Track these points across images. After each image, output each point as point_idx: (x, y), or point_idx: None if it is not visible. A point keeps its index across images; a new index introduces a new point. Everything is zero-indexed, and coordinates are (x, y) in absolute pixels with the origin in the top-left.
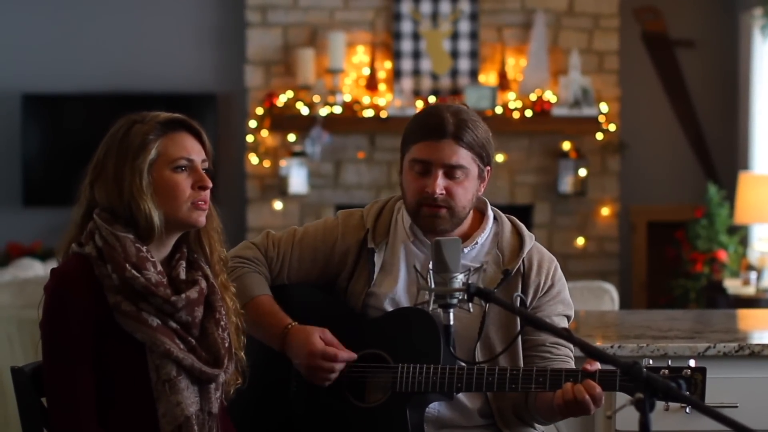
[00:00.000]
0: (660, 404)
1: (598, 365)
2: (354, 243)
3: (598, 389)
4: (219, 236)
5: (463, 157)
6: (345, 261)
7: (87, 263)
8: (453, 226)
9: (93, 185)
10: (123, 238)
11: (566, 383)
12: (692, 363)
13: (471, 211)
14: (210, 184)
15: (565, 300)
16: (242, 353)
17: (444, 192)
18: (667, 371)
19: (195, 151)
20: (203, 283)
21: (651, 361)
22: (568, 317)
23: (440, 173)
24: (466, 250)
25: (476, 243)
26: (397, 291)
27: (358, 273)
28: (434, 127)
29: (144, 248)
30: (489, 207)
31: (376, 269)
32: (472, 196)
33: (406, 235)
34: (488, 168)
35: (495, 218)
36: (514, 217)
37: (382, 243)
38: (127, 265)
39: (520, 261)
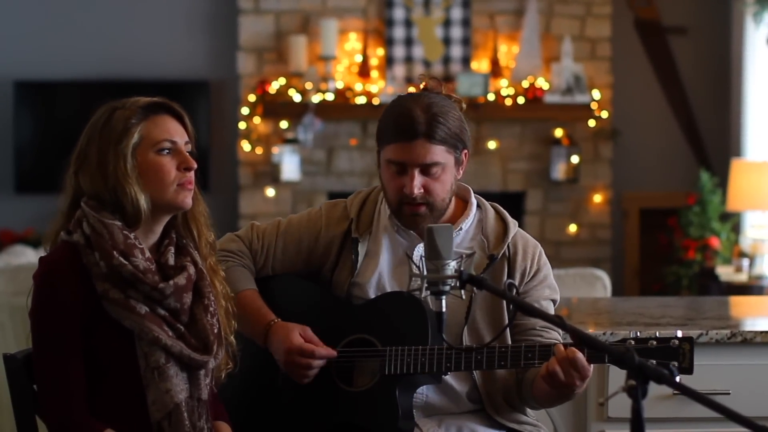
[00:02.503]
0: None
1: None
2: (338, 233)
3: (581, 357)
4: (206, 220)
5: (438, 153)
6: (329, 251)
7: (75, 251)
8: (435, 220)
9: (77, 174)
10: (110, 225)
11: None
12: (679, 333)
13: (453, 199)
14: (194, 165)
15: (551, 284)
16: (232, 337)
17: (422, 190)
18: (654, 342)
19: (178, 133)
20: (191, 269)
21: (638, 333)
22: (554, 301)
23: (416, 172)
24: None
25: (461, 229)
26: (381, 279)
27: (342, 263)
28: (406, 128)
29: (132, 235)
30: (472, 194)
31: (360, 259)
32: (451, 186)
33: (389, 224)
34: (465, 150)
35: (478, 205)
36: (497, 204)
37: (366, 233)
38: (115, 252)
39: (506, 246)
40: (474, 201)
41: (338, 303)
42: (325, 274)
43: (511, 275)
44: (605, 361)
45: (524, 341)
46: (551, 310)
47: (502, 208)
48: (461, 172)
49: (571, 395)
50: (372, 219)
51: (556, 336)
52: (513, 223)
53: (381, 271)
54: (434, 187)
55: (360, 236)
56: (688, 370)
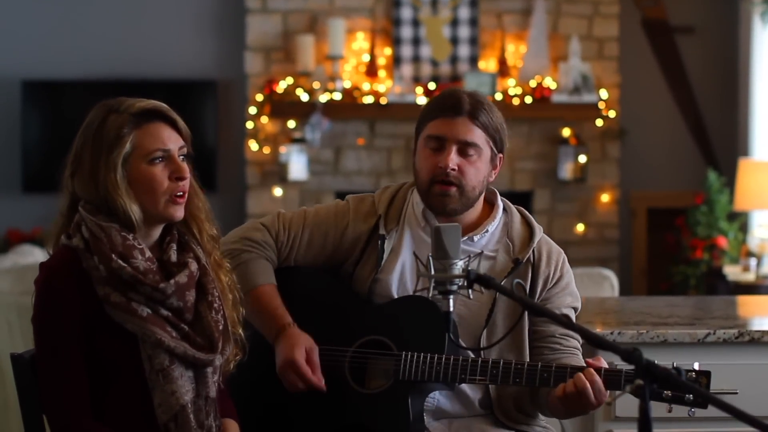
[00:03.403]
0: (663, 407)
1: (604, 363)
2: (365, 229)
3: (598, 379)
4: (206, 215)
5: (478, 136)
6: (355, 246)
7: (75, 256)
8: (462, 207)
9: (73, 177)
10: (108, 228)
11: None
12: (696, 366)
13: (481, 200)
14: (187, 174)
15: (573, 292)
16: (240, 329)
17: (456, 168)
18: None
19: (171, 140)
20: (194, 266)
21: (655, 361)
22: (576, 309)
23: (454, 149)
24: (476, 238)
25: (486, 231)
26: (403, 277)
27: (365, 258)
28: (451, 105)
29: (130, 236)
30: (499, 197)
31: (385, 255)
32: (483, 179)
33: (417, 221)
34: (500, 155)
35: (504, 209)
36: (523, 209)
37: (393, 230)
38: (114, 255)
39: (531, 250)
40: (500, 203)
41: (357, 302)
42: (347, 268)
43: (534, 281)
44: (621, 386)
45: (543, 348)
46: (572, 318)
47: (528, 213)
48: (494, 175)
49: (583, 413)
50: (400, 215)
51: (575, 344)
52: (539, 229)
53: (404, 268)
54: (468, 170)
55: (387, 233)
56: (702, 404)
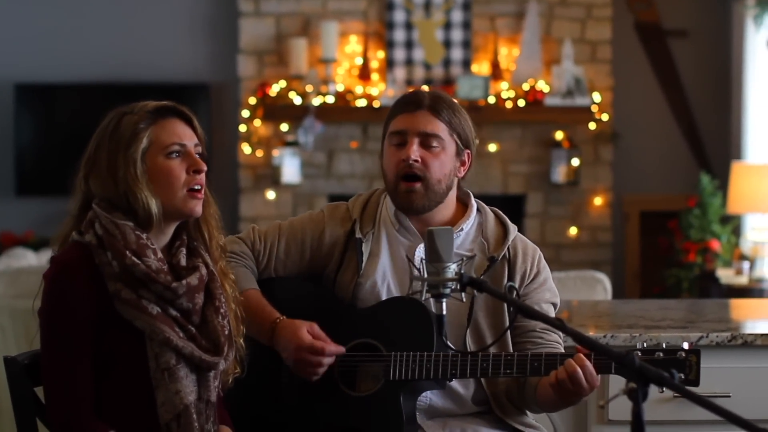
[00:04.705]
0: (654, 387)
1: None
2: (341, 234)
3: (588, 362)
4: (217, 223)
5: (440, 128)
6: (332, 252)
7: (87, 251)
8: (429, 203)
9: (87, 178)
10: (122, 226)
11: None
12: (686, 345)
13: (453, 198)
14: (204, 168)
15: (551, 288)
16: (241, 341)
17: (419, 160)
18: (661, 354)
19: (187, 136)
20: (203, 270)
21: (645, 344)
22: (555, 305)
23: (416, 141)
24: None
25: (461, 230)
26: (385, 279)
27: (346, 263)
28: (411, 101)
29: (144, 235)
30: (472, 198)
31: (364, 258)
32: (449, 173)
33: (391, 223)
34: (468, 151)
35: (478, 209)
36: (497, 209)
37: (369, 233)
38: (128, 252)
39: (506, 248)
40: (474, 204)
41: (342, 306)
42: (329, 275)
43: (511, 278)
44: (612, 370)
45: (525, 343)
46: (552, 314)
47: (501, 213)
48: (463, 172)
49: (576, 402)
50: (375, 219)
51: (556, 338)
52: (513, 227)
53: (384, 270)
54: (432, 163)
55: (363, 236)
56: (694, 382)
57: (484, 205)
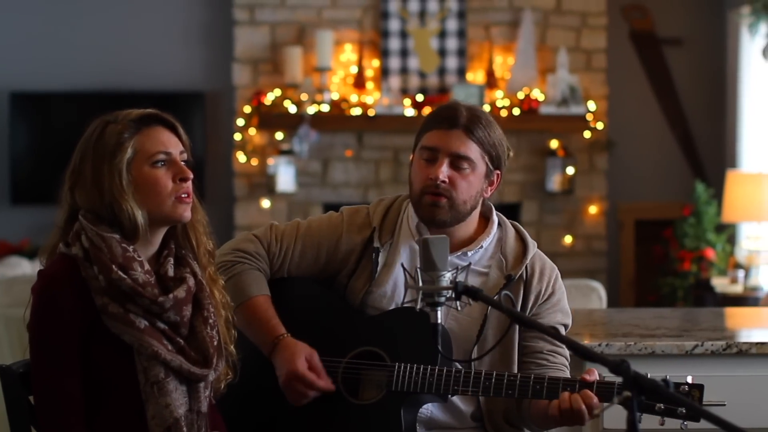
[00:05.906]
0: (655, 419)
1: (596, 375)
2: (359, 241)
3: (596, 400)
4: (204, 228)
5: (472, 150)
6: (348, 258)
7: (74, 265)
8: (452, 219)
9: (73, 190)
10: (109, 239)
11: (563, 392)
12: (689, 379)
13: (477, 215)
14: (190, 175)
15: (563, 308)
16: (232, 347)
17: (447, 181)
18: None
19: (172, 144)
20: (191, 281)
21: (648, 374)
22: (566, 326)
23: (446, 161)
24: (470, 254)
25: (481, 247)
26: (396, 289)
27: (360, 271)
28: (447, 117)
29: (130, 248)
30: (494, 212)
31: (379, 268)
32: (476, 194)
33: (411, 234)
34: (498, 172)
35: (499, 224)
36: (518, 224)
37: (387, 242)
38: (114, 266)
39: (523, 267)
40: (495, 219)
41: (350, 312)
42: (342, 280)
43: (525, 296)
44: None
45: (530, 364)
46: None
47: (522, 228)
48: (489, 192)
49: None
50: (394, 228)
51: (563, 361)
52: (533, 244)
53: (396, 281)
54: (459, 184)
55: (381, 245)
56: (694, 417)
57: (505, 219)
